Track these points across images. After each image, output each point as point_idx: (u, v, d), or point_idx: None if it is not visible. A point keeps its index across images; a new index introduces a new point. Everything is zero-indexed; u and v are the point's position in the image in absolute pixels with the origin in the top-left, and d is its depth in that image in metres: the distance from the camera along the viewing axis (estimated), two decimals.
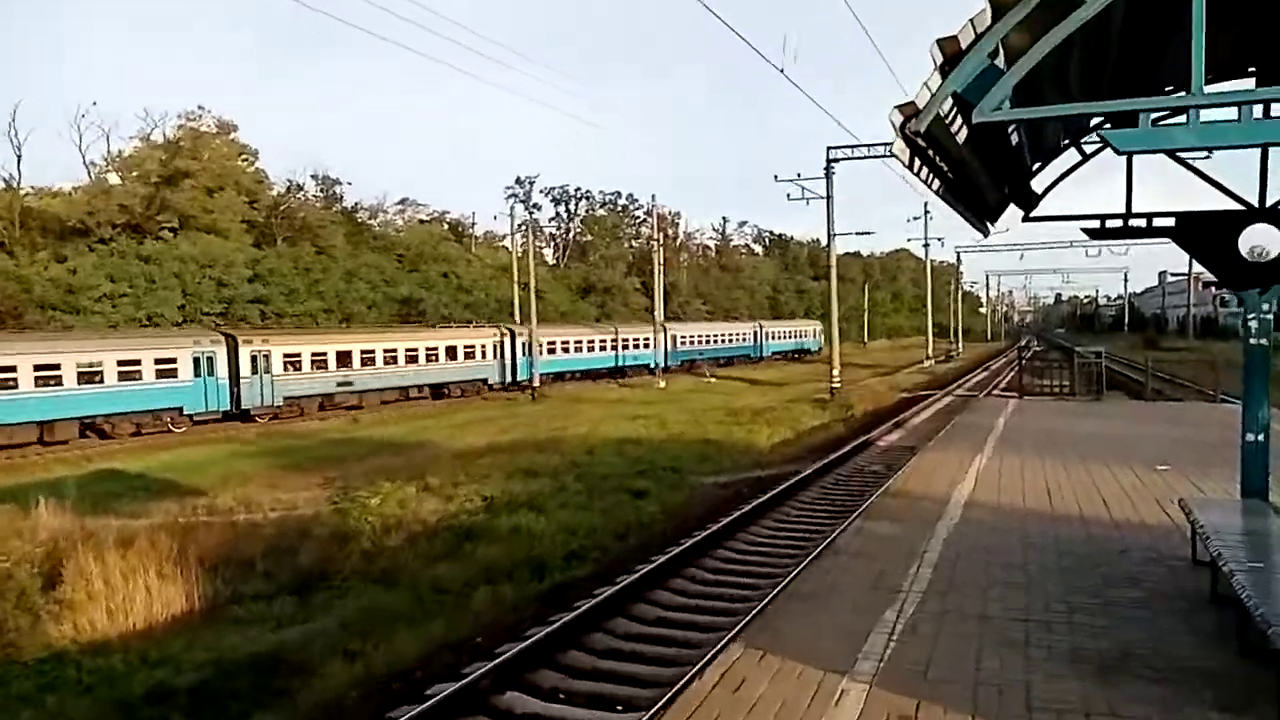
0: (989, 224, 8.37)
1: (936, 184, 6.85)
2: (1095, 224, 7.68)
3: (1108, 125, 7.06)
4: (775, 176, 39.30)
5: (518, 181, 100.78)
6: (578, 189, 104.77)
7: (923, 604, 6.92)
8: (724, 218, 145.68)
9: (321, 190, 71.34)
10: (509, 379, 47.36)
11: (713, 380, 59.56)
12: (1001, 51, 5.34)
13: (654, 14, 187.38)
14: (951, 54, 5.29)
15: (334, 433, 35.90)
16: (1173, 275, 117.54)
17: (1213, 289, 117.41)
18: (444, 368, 44.69)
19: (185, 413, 34.27)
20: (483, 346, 47.26)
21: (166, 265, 44.86)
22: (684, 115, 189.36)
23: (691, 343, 68.63)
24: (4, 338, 32.16)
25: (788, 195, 39.14)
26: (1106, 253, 77.61)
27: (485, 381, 47.15)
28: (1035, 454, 14.06)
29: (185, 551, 11.40)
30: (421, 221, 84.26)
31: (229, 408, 35.69)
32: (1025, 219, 7.87)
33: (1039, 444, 15.17)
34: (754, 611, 7.04)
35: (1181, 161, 9.46)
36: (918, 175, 6.52)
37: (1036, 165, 7.60)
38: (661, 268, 73.38)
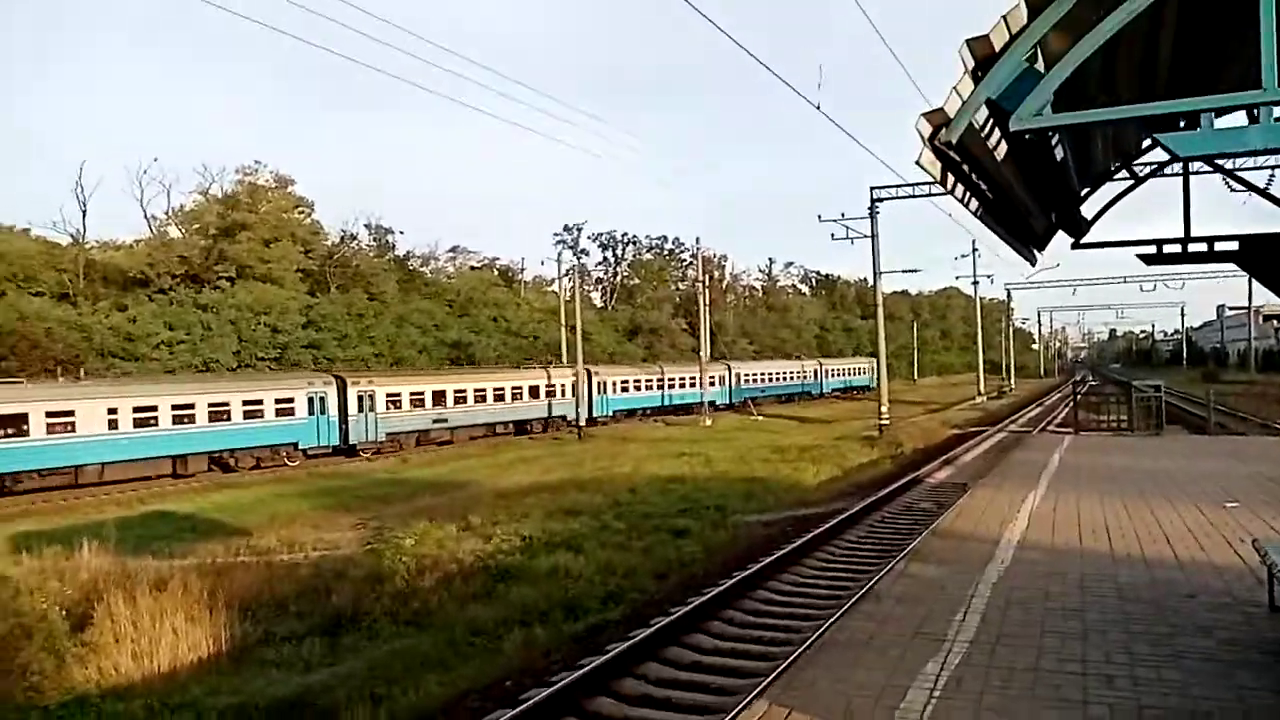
0: (1036, 251, 7.88)
1: (975, 204, 6.38)
2: (1151, 249, 7.21)
3: (1162, 132, 6.59)
4: (819, 217, 39.14)
5: (565, 228, 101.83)
6: (624, 234, 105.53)
7: (969, 656, 6.38)
8: (770, 259, 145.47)
9: (374, 239, 72.69)
10: (586, 415, 49.94)
11: (760, 419, 58.96)
12: (1040, 53, 4.88)
13: (697, 57, 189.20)
14: (983, 57, 4.80)
15: (382, 474, 36.08)
16: (1231, 309, 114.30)
17: (1275, 322, 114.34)
18: (529, 405, 47.87)
19: (300, 447, 37.19)
20: (562, 386, 49.95)
21: (223, 313, 45.85)
22: (729, 158, 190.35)
23: (753, 381, 70.10)
24: (148, 382, 36.47)
25: (832, 235, 38.90)
26: (1161, 287, 75.70)
27: (564, 418, 49.73)
28: (1092, 491, 13.28)
29: (217, 593, 11.32)
30: (472, 268, 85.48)
31: (338, 443, 38.53)
32: (1075, 245, 7.37)
33: (1096, 481, 14.39)
34: (781, 668, 6.63)
35: (1243, 182, 8.96)
36: (952, 193, 6.11)
37: (1085, 190, 7.21)
38: (708, 307, 73.49)
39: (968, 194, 6.28)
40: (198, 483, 33.79)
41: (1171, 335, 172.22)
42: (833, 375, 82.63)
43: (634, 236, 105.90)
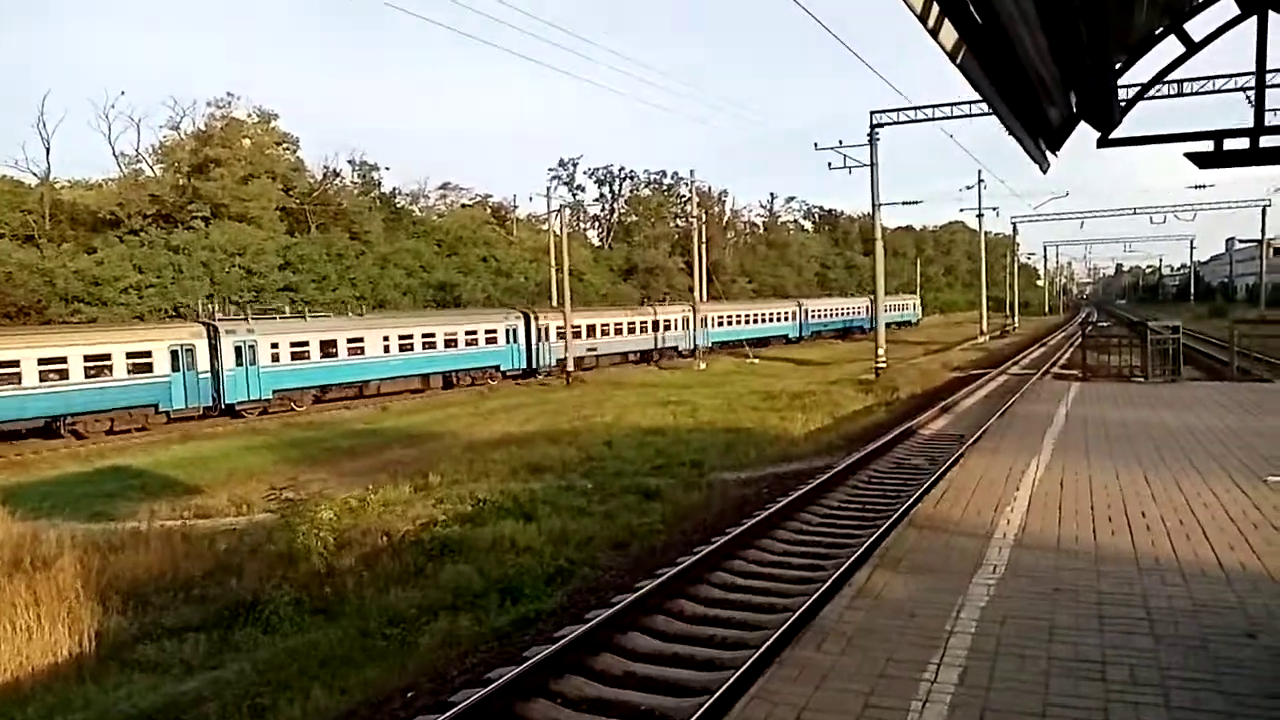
0: (1050, 152, 5.84)
1: (971, 63, 4.40)
2: (1206, 145, 5.39)
3: None
4: (815, 145, 37.02)
5: (561, 164, 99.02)
6: (621, 169, 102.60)
7: None
8: (771, 194, 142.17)
9: (360, 176, 70.42)
10: (692, 347, 55.41)
11: (755, 361, 57.45)
12: None
13: None
14: None
15: (359, 423, 34.74)
16: (1241, 242, 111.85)
17: None
18: (648, 337, 54.80)
19: (501, 369, 44.55)
20: (671, 320, 57.13)
21: (195, 255, 44.05)
22: (731, 87, 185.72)
23: (819, 315, 70.28)
24: (404, 316, 43.60)
25: (829, 164, 36.83)
26: (1172, 219, 73.79)
27: (676, 349, 56.99)
28: (1105, 457, 11.20)
29: (105, 574, 9.92)
30: (464, 206, 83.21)
31: (526, 366, 45.91)
32: (1103, 142, 5.42)
33: (1109, 442, 12.31)
34: None
35: None
36: (933, 34, 4.14)
37: (1119, 63, 5.21)
38: (704, 245, 71.37)
39: (963, 48, 4.33)
40: (164, 434, 32.47)
41: (1179, 270, 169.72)
42: (816, 316, 77.21)
43: (631, 172, 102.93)
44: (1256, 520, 8.12)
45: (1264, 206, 73.51)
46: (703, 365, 53.42)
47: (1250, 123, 4.98)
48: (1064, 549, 7.38)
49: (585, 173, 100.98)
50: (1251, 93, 4.87)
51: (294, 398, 36.13)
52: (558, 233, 54.41)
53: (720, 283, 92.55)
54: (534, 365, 46.03)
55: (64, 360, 29.53)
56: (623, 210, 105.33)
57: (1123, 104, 5.11)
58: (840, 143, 36.23)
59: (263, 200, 52.65)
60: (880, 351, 36.59)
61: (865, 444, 18.97)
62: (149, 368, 31.74)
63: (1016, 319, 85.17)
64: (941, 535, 7.89)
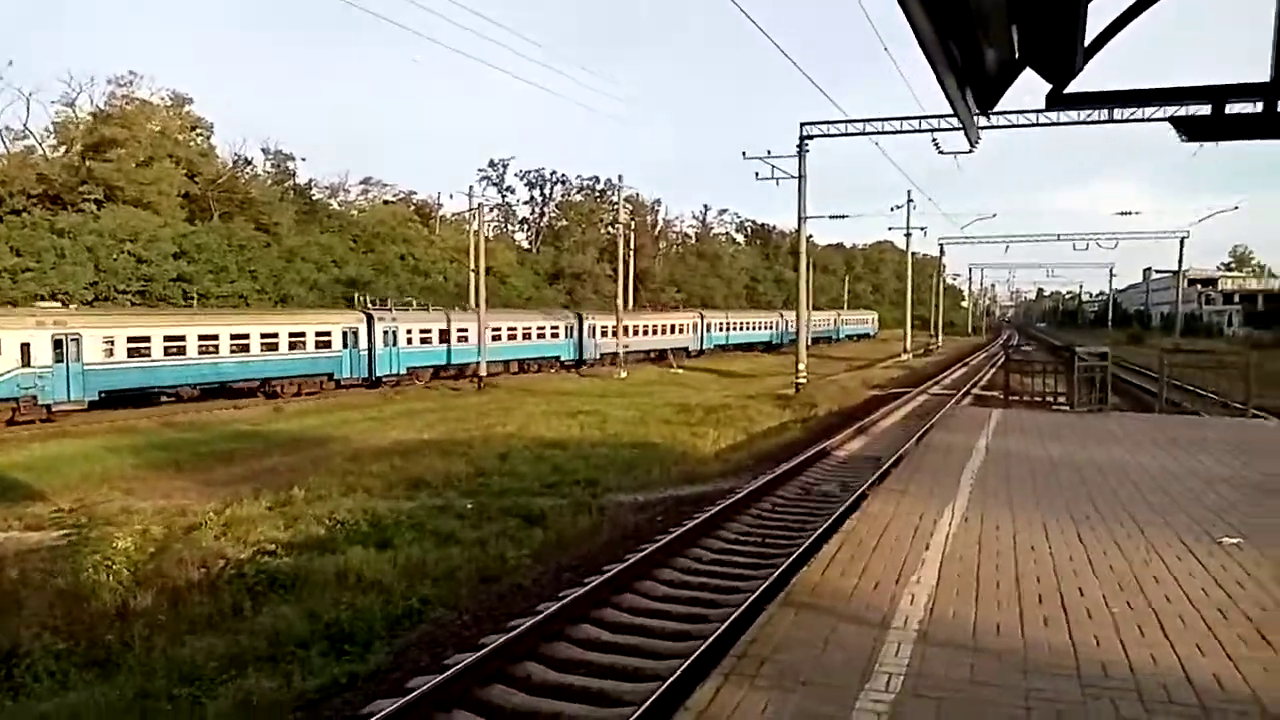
0: (981, 107, 3.88)
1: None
2: (1203, 107, 3.89)
3: None
4: (744, 153, 35.88)
5: (491, 164, 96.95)
6: (553, 173, 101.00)
7: None
8: (705, 205, 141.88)
9: (273, 165, 67.42)
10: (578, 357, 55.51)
11: (679, 371, 56.27)
12: None
13: None
14: None
15: (244, 424, 32.42)
16: (1157, 272, 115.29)
17: (1198, 285, 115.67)
18: (670, 338, 62.50)
19: (561, 359, 53.01)
20: (683, 324, 65.11)
21: (81, 239, 40.95)
22: (671, 99, 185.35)
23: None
24: (505, 312, 52.58)
25: (756, 174, 35.72)
26: (1094, 246, 74.91)
27: (686, 350, 63.76)
28: (1031, 505, 9.45)
29: None
30: (386, 202, 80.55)
31: (578, 357, 53.99)
32: (1056, 97, 3.71)
33: (1035, 485, 10.62)
34: None
35: None
36: None
37: None
38: (633, 252, 70.16)
39: None
40: (31, 431, 29.86)
41: (1097, 296, 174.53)
42: (729, 329, 76.82)
43: (563, 176, 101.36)
44: (1222, 603, 6.40)
45: (1181, 238, 75.15)
46: (623, 374, 51.99)
47: (1265, 76, 3.48)
48: (982, 647, 5.58)
49: (516, 175, 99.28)
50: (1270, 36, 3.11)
51: (419, 374, 44.16)
52: (473, 232, 52.92)
53: (649, 291, 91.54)
54: (581, 357, 54.43)
55: (276, 336, 37.36)
56: (553, 214, 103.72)
57: (1086, 47, 3.69)
58: (769, 153, 35.20)
59: (162, 185, 49.66)
60: (801, 367, 35.58)
61: (775, 465, 17.67)
62: (329, 344, 39.41)
63: (940, 338, 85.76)
64: (825, 620, 5.98)
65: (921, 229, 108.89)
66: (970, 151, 31.98)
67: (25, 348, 30.49)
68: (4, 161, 47.45)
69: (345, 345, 39.97)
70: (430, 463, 19.53)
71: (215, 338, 35.79)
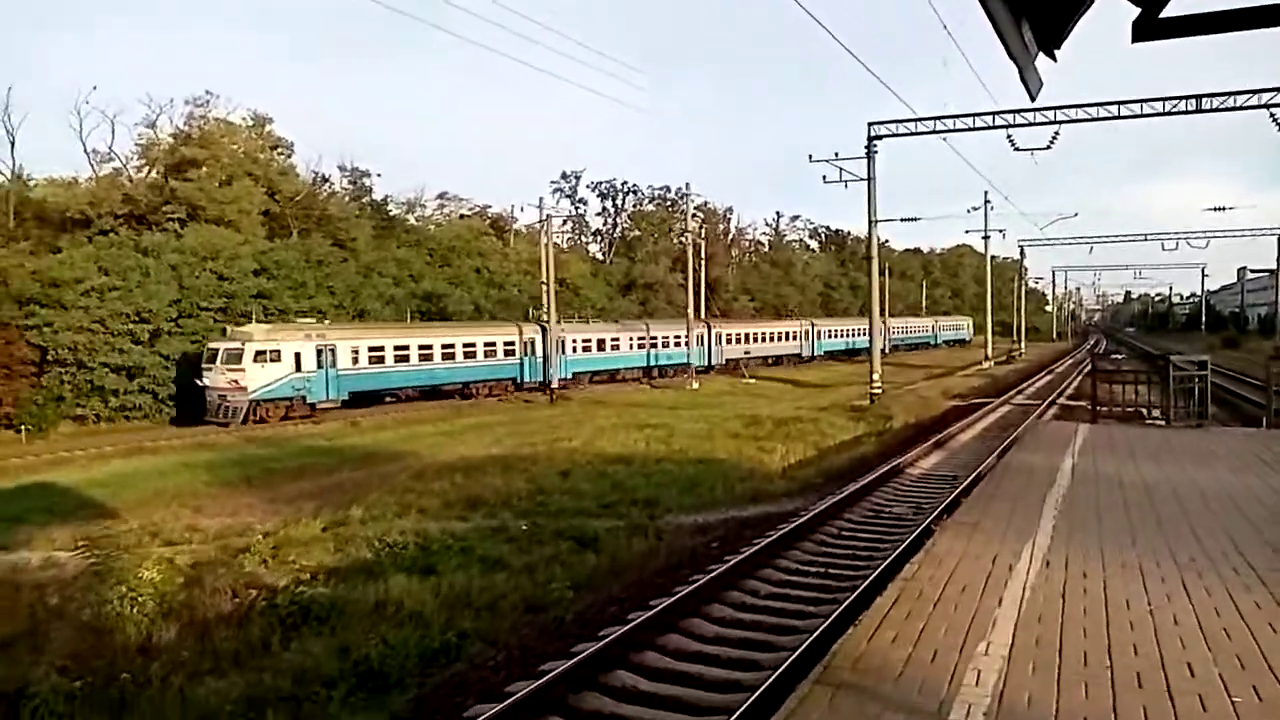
0: (1045, 46, 3.10)
1: None
2: None
3: None
4: (810, 157, 34.96)
5: (563, 176, 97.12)
6: (624, 183, 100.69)
7: None
8: (778, 213, 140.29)
9: (350, 182, 68.72)
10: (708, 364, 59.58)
11: (751, 381, 55.40)
12: None
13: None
14: None
15: (319, 439, 32.84)
16: (1253, 271, 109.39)
17: None
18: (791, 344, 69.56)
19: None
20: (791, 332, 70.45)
21: (165, 258, 41.99)
22: (743, 106, 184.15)
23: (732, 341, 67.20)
24: (668, 321, 59.99)
25: (824, 178, 34.76)
26: (1184, 246, 71.51)
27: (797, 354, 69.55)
28: (1124, 542, 8.15)
29: None
30: (462, 217, 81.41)
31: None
32: (1143, 28, 2.97)
33: (1129, 515, 9.27)
34: None
35: None
36: None
37: None
38: (704, 262, 69.41)
39: None
40: (113, 446, 30.80)
41: (1188, 298, 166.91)
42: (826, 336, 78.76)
43: (635, 186, 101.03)
44: None
45: (1279, 235, 71.17)
46: (695, 385, 51.33)
47: None
48: None
49: (588, 186, 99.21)
50: None
51: (581, 379, 49.59)
52: (545, 244, 53.17)
53: (722, 300, 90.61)
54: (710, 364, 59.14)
55: (474, 346, 43.78)
56: (626, 225, 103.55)
57: None
58: (836, 155, 34.21)
59: (242, 203, 50.73)
60: (875, 376, 34.42)
61: (844, 484, 16.85)
62: (513, 353, 45.50)
63: (1023, 344, 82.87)
64: (868, 706, 4.87)
65: (1000, 231, 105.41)
66: (1048, 147, 30.48)
67: (298, 356, 36.53)
68: (92, 184, 49.15)
69: (525, 353, 46.57)
70: (491, 480, 19.23)
71: (430, 347, 42.12)
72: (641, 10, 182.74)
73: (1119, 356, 54.12)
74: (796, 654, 7.23)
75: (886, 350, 75.92)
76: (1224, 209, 58.92)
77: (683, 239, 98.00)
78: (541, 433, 29.69)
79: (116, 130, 61.93)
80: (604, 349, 51.34)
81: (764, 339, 65.61)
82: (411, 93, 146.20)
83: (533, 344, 46.67)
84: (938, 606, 6.40)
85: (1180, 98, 28.94)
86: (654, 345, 55.19)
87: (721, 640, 8.64)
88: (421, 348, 41.75)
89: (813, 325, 72.60)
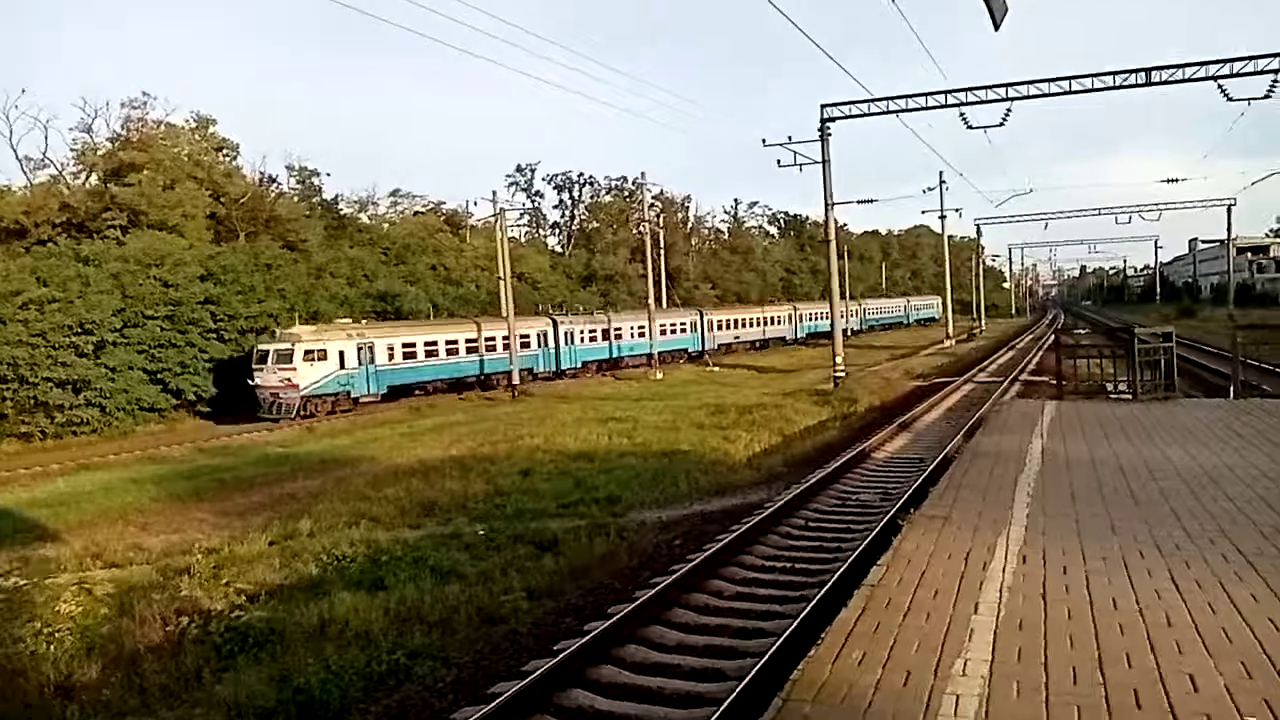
0: None
1: None
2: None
3: None
4: (763, 141, 34.54)
5: (518, 169, 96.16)
6: (580, 175, 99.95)
7: None
8: (736, 200, 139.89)
9: (298, 182, 67.28)
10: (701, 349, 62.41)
11: (715, 369, 55.07)
12: None
13: None
14: None
15: (275, 447, 31.95)
16: (1204, 242, 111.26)
17: (1248, 254, 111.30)
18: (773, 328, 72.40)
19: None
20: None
21: (106, 266, 40.65)
22: (698, 93, 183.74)
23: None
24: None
25: (778, 161, 34.36)
26: (1137, 219, 72.30)
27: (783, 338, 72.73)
28: (1104, 530, 7.51)
29: None
30: (416, 213, 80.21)
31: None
32: None
33: (1105, 500, 8.66)
34: None
35: None
36: None
37: None
38: (663, 251, 68.96)
39: None
40: (59, 464, 29.70)
41: (1142, 271, 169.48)
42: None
43: (591, 178, 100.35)
44: None
45: (1229, 206, 72.19)
46: (659, 374, 50.89)
47: None
48: None
49: (544, 179, 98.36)
50: None
51: (590, 367, 52.55)
52: (512, 238, 52.92)
53: (682, 289, 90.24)
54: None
55: (494, 339, 45.97)
56: (584, 217, 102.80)
57: None
58: (790, 138, 33.82)
59: (186, 207, 49.38)
60: (839, 360, 34.20)
61: (810, 471, 16.48)
62: (528, 345, 47.89)
63: (983, 322, 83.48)
64: None
65: (956, 210, 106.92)
66: (1002, 124, 30.35)
67: (342, 354, 38.83)
68: (27, 192, 47.53)
69: (539, 345, 49.24)
70: (448, 483, 18.67)
71: (455, 342, 44.71)
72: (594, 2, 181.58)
73: (1081, 331, 54.40)
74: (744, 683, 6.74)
75: (863, 330, 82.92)
76: (1177, 180, 59.37)
77: (641, 229, 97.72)
78: (501, 431, 29.09)
79: (50, 135, 59.86)
80: (608, 339, 53.88)
81: (752, 324, 68.68)
82: (362, 90, 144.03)
83: (545, 336, 49.49)
84: (908, 617, 5.76)
85: (1130, 71, 28.95)
86: (660, 333, 57.39)
87: (684, 648, 8.15)
88: (448, 343, 44.18)
89: (795, 309, 75.71)
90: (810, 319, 76.10)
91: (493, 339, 46.08)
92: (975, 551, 7.02)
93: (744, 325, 67.54)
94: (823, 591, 8.64)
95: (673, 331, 59.13)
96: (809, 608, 8.29)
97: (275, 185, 62.49)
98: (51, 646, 8.36)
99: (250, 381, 38.28)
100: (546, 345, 49.52)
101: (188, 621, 9.34)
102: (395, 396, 41.59)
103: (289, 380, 37.16)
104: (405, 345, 42.16)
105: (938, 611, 5.80)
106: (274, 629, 9.32)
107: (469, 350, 45.12)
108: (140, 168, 48.14)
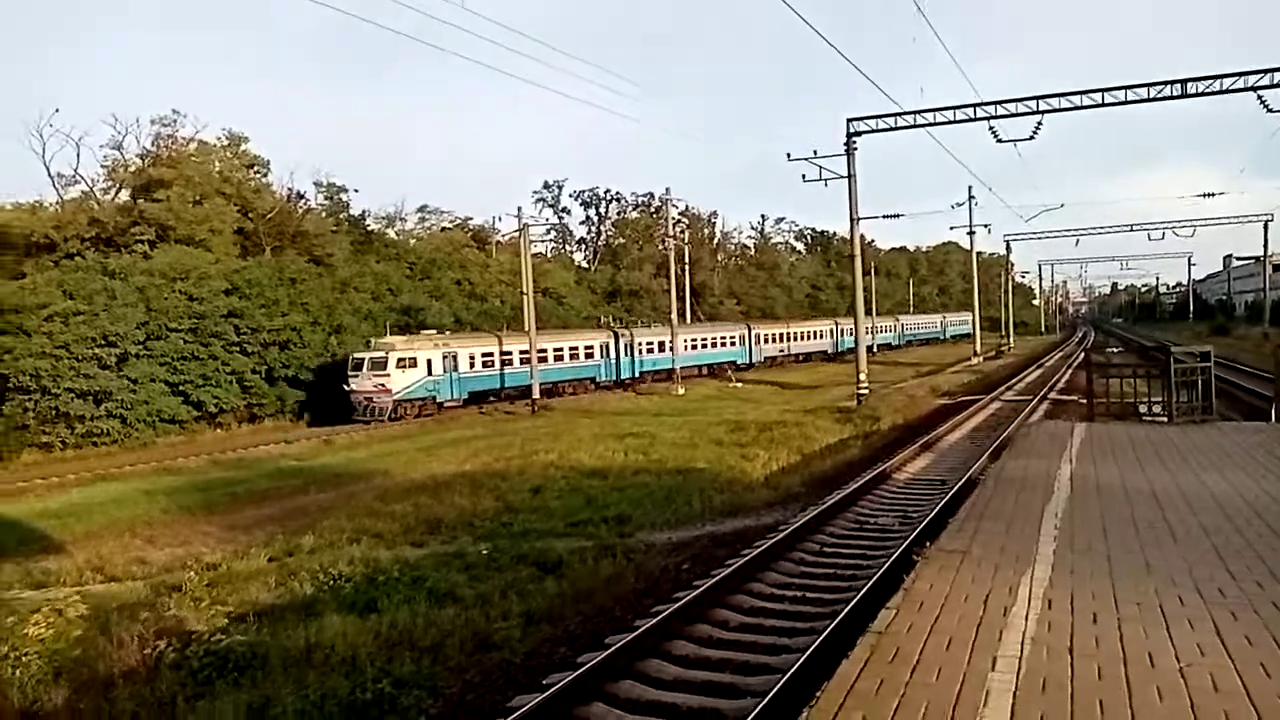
0: None
1: None
2: None
3: None
4: (788, 155, 34.06)
5: (545, 186, 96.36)
6: (607, 191, 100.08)
7: None
8: (763, 215, 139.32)
9: (327, 198, 67.64)
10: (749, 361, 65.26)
11: (738, 385, 54.46)
12: None
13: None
14: None
15: (290, 460, 31.81)
16: (1239, 259, 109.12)
17: None
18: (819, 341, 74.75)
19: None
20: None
21: (132, 280, 40.89)
22: (727, 109, 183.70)
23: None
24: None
25: (803, 176, 33.85)
26: (1170, 236, 70.89)
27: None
28: (1139, 571, 6.69)
29: None
30: (444, 229, 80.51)
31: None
32: None
33: (1139, 534, 7.81)
34: None
35: None
36: None
37: None
38: (689, 267, 68.66)
39: None
40: (75, 475, 29.71)
41: (1174, 288, 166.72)
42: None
43: (618, 194, 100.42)
44: None
45: (1266, 221, 70.70)
46: (680, 390, 50.38)
47: None
48: None
49: (571, 195, 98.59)
50: None
51: (650, 377, 54.36)
52: (538, 253, 53.08)
53: (708, 304, 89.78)
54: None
55: (562, 349, 49.99)
56: (610, 232, 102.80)
57: None
58: (815, 153, 33.34)
59: (214, 222, 49.70)
60: (862, 376, 33.54)
61: (829, 491, 15.94)
62: (593, 355, 51.53)
63: (1012, 339, 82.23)
64: None
65: (985, 226, 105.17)
66: (1032, 138, 29.68)
67: (429, 363, 41.97)
68: (58, 207, 48.00)
69: (602, 356, 52.30)
70: (457, 500, 18.29)
71: (527, 352, 46.26)
72: (624, 18, 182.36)
73: (1114, 351, 53.10)
74: None
75: (901, 345, 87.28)
76: (1214, 195, 58.06)
77: (666, 245, 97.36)
78: (517, 446, 28.72)
79: (81, 153, 60.66)
80: (664, 350, 55.34)
81: (797, 338, 71.25)
82: (393, 107, 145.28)
83: (607, 347, 52.63)
84: (916, 672, 5.04)
85: (1165, 83, 28.18)
86: (715, 345, 61.26)
87: (682, 685, 7.64)
88: (522, 353, 46.65)
89: (836, 324, 76.94)
90: (851, 334, 76.33)
91: (560, 349, 49.86)
92: (995, 594, 6.30)
93: (789, 339, 70.10)
94: (834, 623, 8.11)
95: (724, 344, 62.04)
96: (818, 641, 7.78)
97: (303, 201, 62.89)
98: (18, 671, 8.02)
99: (345, 387, 41.09)
100: (608, 356, 52.47)
101: (166, 645, 8.96)
102: (475, 402, 45.18)
103: (383, 386, 40.24)
104: (484, 355, 45.87)
105: (950, 666, 5.13)
106: (257, 653, 8.92)
107: (540, 360, 47.22)
108: (169, 183, 48.50)
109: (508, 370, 46.84)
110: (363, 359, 41.22)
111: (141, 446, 37.40)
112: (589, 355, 51.33)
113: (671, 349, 54.01)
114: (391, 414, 40.10)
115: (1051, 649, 5.20)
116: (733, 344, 63.18)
